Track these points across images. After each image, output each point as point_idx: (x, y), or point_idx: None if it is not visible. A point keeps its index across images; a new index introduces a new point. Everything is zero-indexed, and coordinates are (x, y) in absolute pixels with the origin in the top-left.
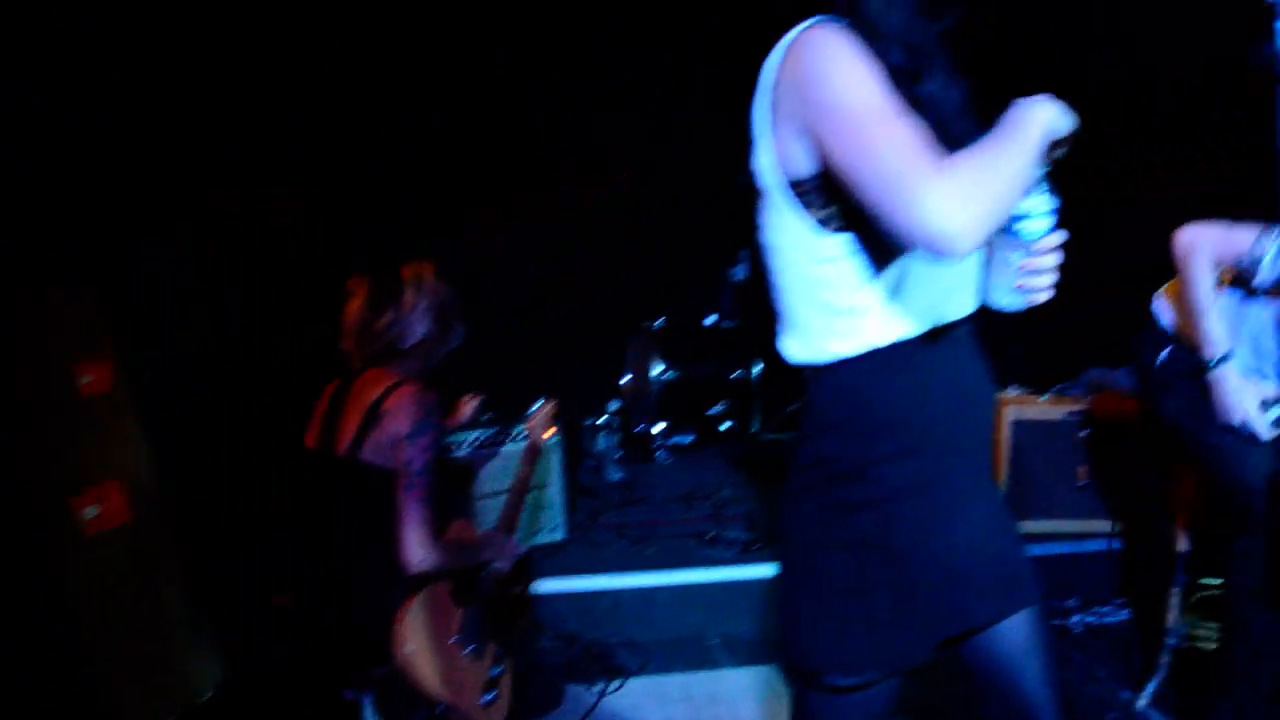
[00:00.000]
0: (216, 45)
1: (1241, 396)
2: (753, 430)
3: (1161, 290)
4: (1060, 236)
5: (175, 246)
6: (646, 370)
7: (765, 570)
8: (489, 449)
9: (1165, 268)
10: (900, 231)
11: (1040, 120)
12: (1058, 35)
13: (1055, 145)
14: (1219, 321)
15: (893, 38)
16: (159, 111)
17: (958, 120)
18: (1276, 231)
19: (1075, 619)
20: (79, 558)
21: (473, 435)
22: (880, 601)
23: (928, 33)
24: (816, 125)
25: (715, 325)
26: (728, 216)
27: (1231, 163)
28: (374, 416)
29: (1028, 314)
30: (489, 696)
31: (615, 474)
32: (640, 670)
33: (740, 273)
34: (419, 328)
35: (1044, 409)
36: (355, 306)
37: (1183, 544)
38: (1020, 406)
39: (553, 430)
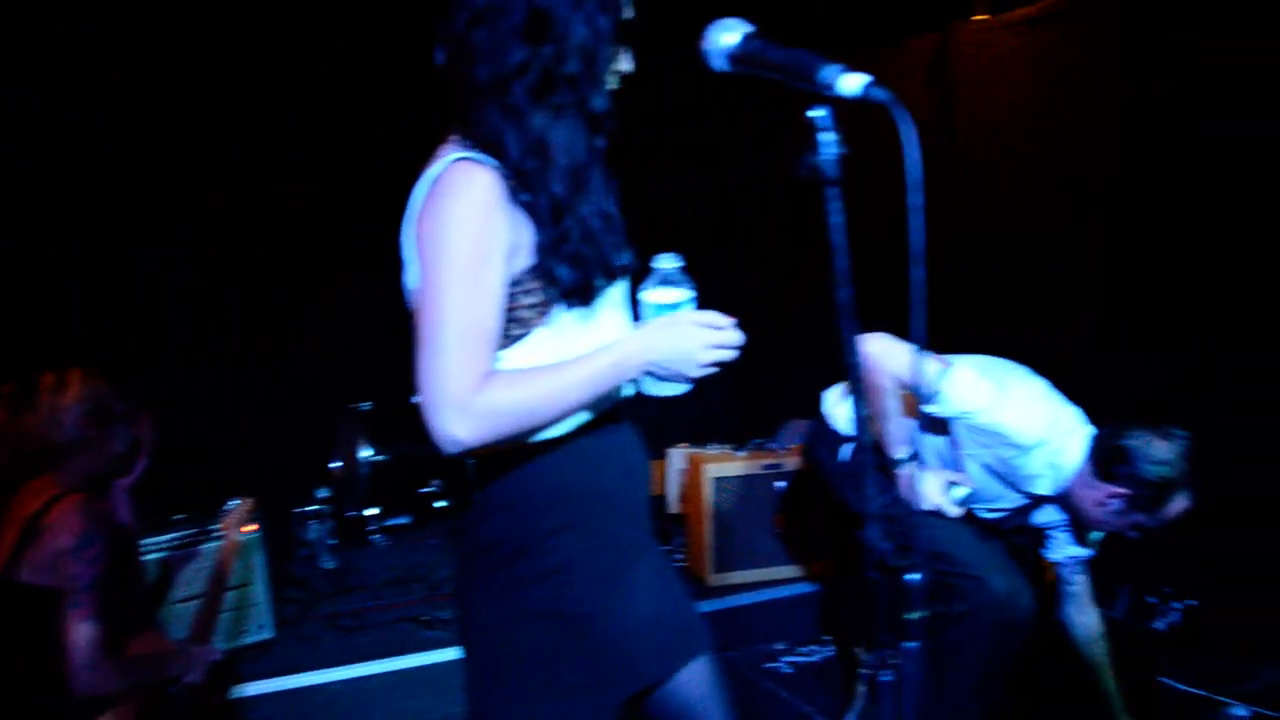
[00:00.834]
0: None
1: (929, 485)
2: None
3: (828, 395)
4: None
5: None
6: (356, 453)
7: None
8: (185, 550)
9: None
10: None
11: (629, 367)
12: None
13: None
14: (901, 426)
15: (549, 161)
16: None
17: (605, 233)
18: (950, 368)
19: (784, 660)
20: None
21: (168, 536)
22: (564, 669)
23: (587, 151)
24: (420, 277)
25: None
26: None
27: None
28: (32, 532)
29: (728, 372)
30: None
31: (329, 562)
32: None
33: None
34: (69, 432)
35: (743, 464)
36: (2, 416)
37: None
38: (719, 463)
39: (252, 526)
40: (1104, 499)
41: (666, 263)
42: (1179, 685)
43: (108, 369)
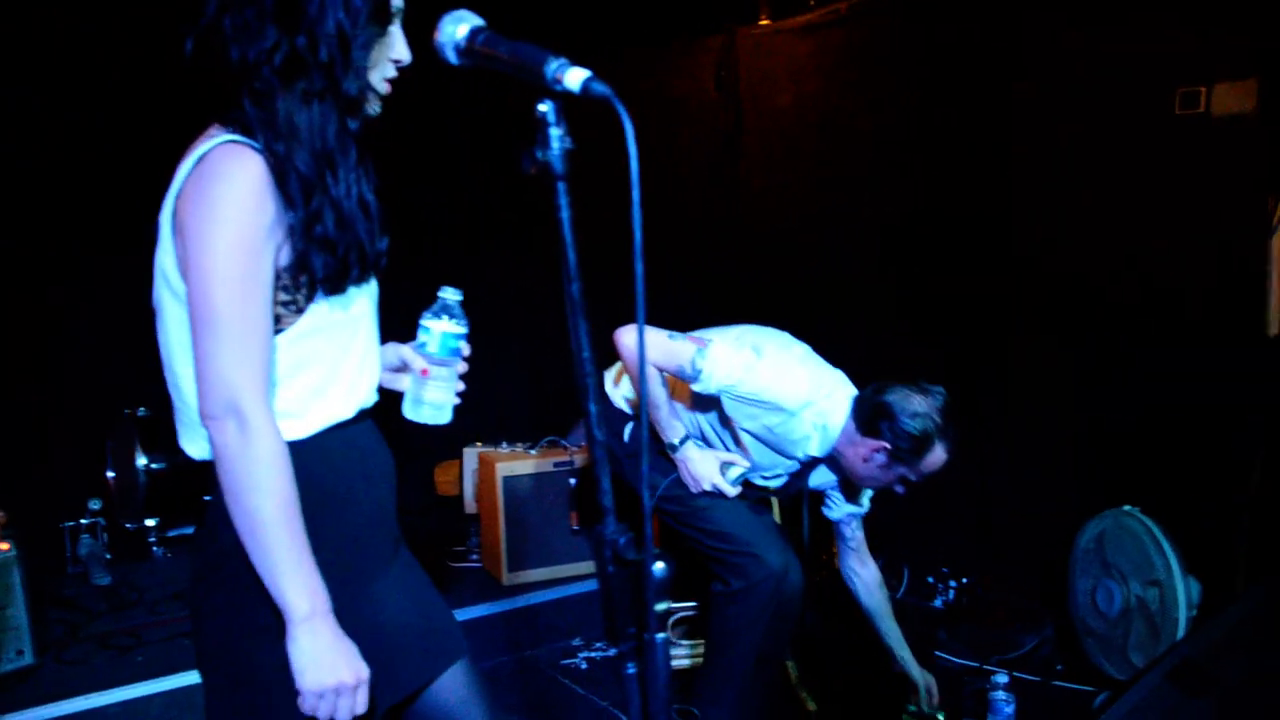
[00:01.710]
0: None
1: (705, 467)
2: None
3: (609, 374)
4: (462, 361)
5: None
6: (132, 461)
7: None
8: None
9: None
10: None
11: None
12: None
13: None
14: (671, 411)
15: (298, 143)
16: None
17: (360, 220)
18: (707, 346)
19: (581, 656)
20: None
21: None
22: None
23: (337, 136)
24: (187, 266)
25: None
26: None
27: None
28: None
29: (519, 372)
30: None
31: (102, 579)
32: None
33: None
34: None
35: (534, 462)
36: None
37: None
38: (510, 462)
39: (2, 545)
40: (869, 454)
41: (450, 294)
42: (953, 659)
43: None
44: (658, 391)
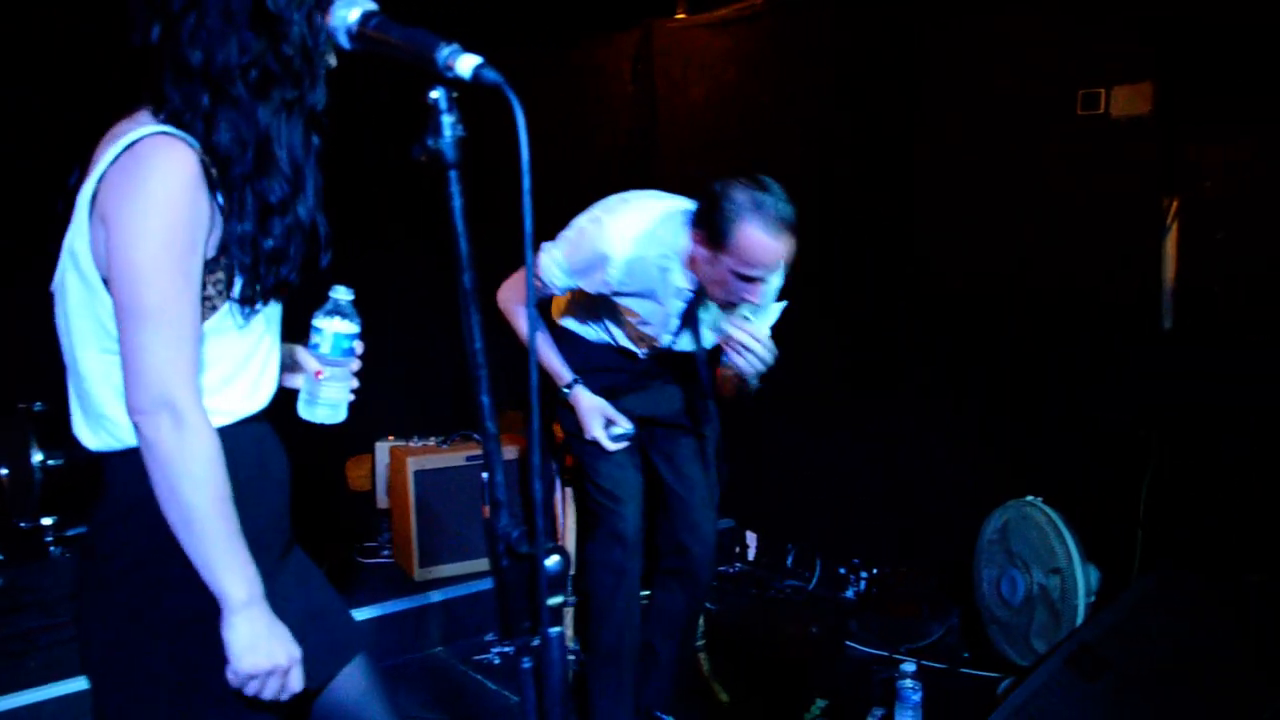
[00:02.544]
0: None
1: (591, 417)
2: None
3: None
4: (355, 360)
5: None
6: (27, 457)
7: None
8: None
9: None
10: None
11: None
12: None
13: None
14: (557, 356)
15: (270, 158)
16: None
17: (308, 242)
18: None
19: (494, 651)
20: None
21: None
22: (215, 679)
23: (303, 149)
24: (110, 256)
25: None
26: None
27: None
28: None
29: (432, 365)
30: None
31: None
32: None
33: None
34: None
35: (446, 456)
36: None
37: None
38: (421, 456)
39: None
40: (695, 252)
41: (341, 294)
42: (863, 648)
43: None
44: (534, 341)
